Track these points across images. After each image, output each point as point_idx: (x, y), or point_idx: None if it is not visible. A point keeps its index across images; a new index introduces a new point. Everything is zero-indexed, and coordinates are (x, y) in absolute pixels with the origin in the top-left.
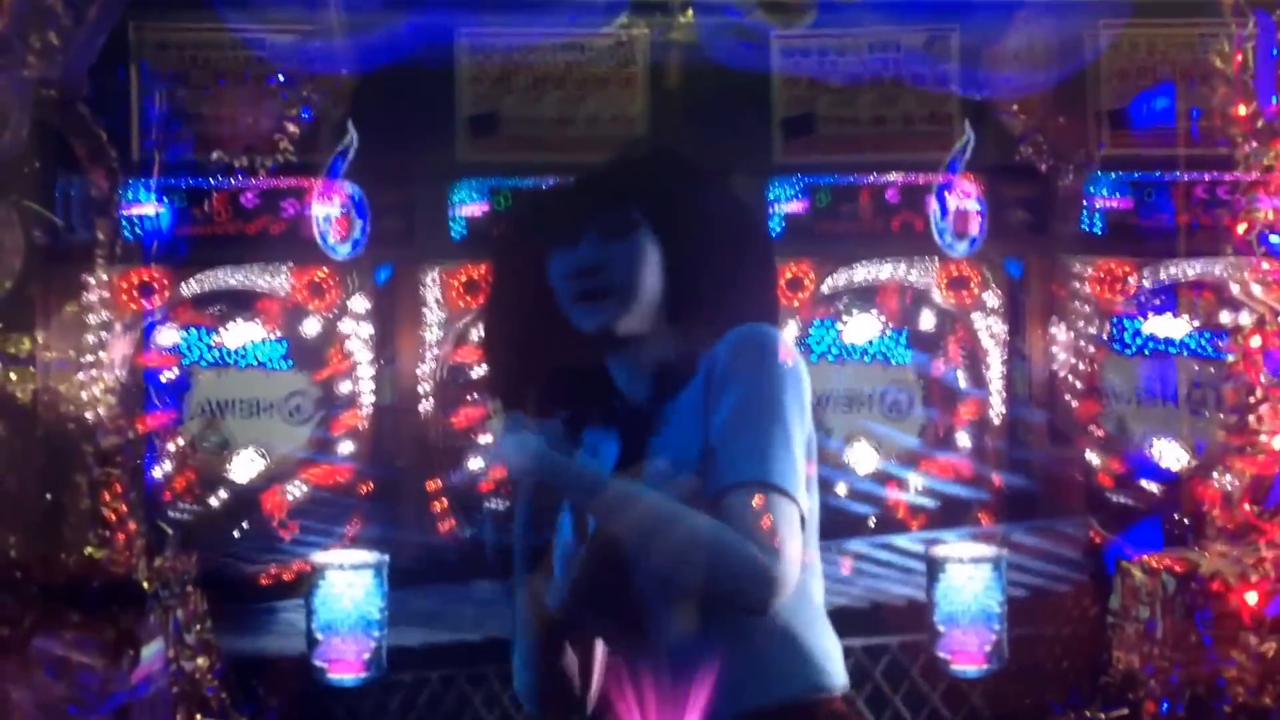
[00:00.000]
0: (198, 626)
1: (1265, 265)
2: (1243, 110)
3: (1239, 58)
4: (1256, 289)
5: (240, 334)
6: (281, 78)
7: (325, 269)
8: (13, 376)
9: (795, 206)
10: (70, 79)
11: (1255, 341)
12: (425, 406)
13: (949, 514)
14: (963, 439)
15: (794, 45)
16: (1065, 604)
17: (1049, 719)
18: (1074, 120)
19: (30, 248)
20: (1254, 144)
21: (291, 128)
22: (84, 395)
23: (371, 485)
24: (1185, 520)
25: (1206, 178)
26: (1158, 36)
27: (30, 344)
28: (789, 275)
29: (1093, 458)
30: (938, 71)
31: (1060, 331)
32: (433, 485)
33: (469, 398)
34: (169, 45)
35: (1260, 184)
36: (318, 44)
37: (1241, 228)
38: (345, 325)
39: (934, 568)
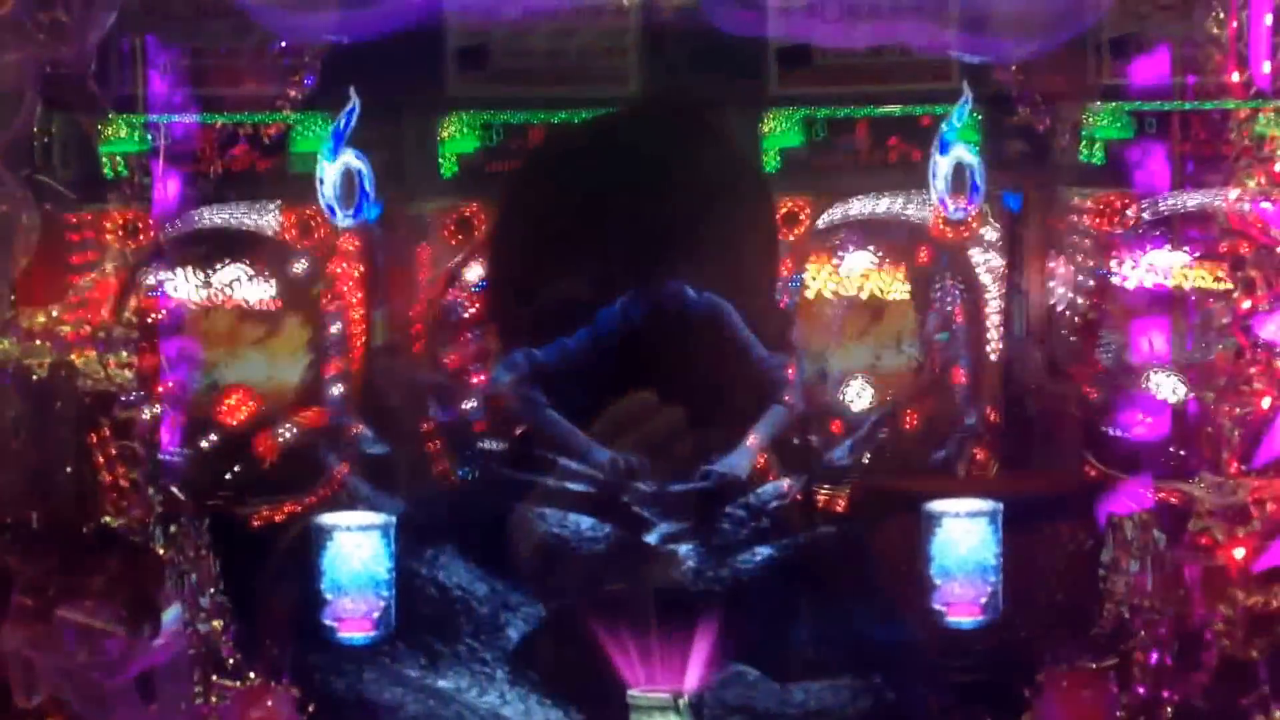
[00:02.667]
0: (211, 590)
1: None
2: (1236, 77)
3: (1233, 24)
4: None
5: (228, 274)
6: (283, 44)
7: (314, 207)
8: (29, 351)
9: (791, 139)
10: (80, 56)
11: (1245, 304)
12: (417, 346)
13: (945, 450)
14: (959, 374)
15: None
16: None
17: (1041, 669)
18: (1071, 52)
19: (46, 223)
20: (1247, 112)
21: (293, 93)
22: (101, 370)
23: (362, 427)
24: (1182, 453)
25: (1208, 107)
26: None
27: (46, 318)
28: (785, 209)
29: (1091, 392)
30: (937, 35)
31: (1059, 265)
32: (426, 426)
33: (464, 337)
34: (171, 15)
35: (1252, 151)
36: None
37: (1233, 194)
38: (335, 265)
39: (930, 521)
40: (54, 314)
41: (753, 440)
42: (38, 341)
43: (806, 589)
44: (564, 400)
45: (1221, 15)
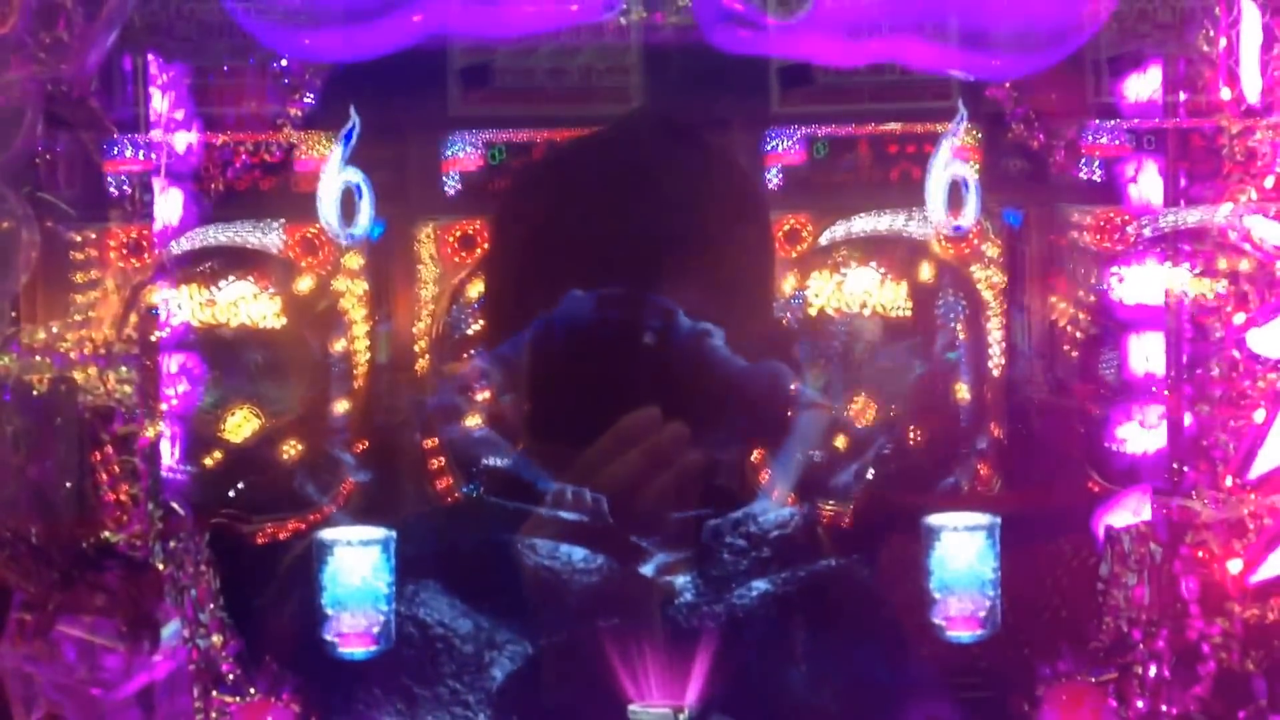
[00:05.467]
0: (211, 605)
1: (1247, 247)
2: (1226, 94)
3: (1223, 42)
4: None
5: (232, 292)
6: (284, 63)
7: (318, 226)
8: (29, 367)
9: (793, 157)
10: (80, 74)
11: (1239, 318)
12: (421, 364)
13: (947, 466)
14: (961, 390)
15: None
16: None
17: (1039, 683)
18: (1069, 71)
19: (46, 240)
20: (1239, 127)
21: (295, 112)
22: (100, 385)
23: (367, 443)
24: (1185, 470)
25: (1206, 125)
26: None
27: (46, 334)
28: (787, 227)
29: (1093, 408)
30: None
31: (1060, 282)
32: (430, 443)
33: (465, 355)
34: (174, 34)
35: (1243, 167)
36: (318, 29)
37: (1226, 209)
38: (339, 283)
39: (929, 535)
40: (54, 329)
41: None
42: (38, 357)
43: (808, 626)
44: (560, 420)
45: (1211, 32)
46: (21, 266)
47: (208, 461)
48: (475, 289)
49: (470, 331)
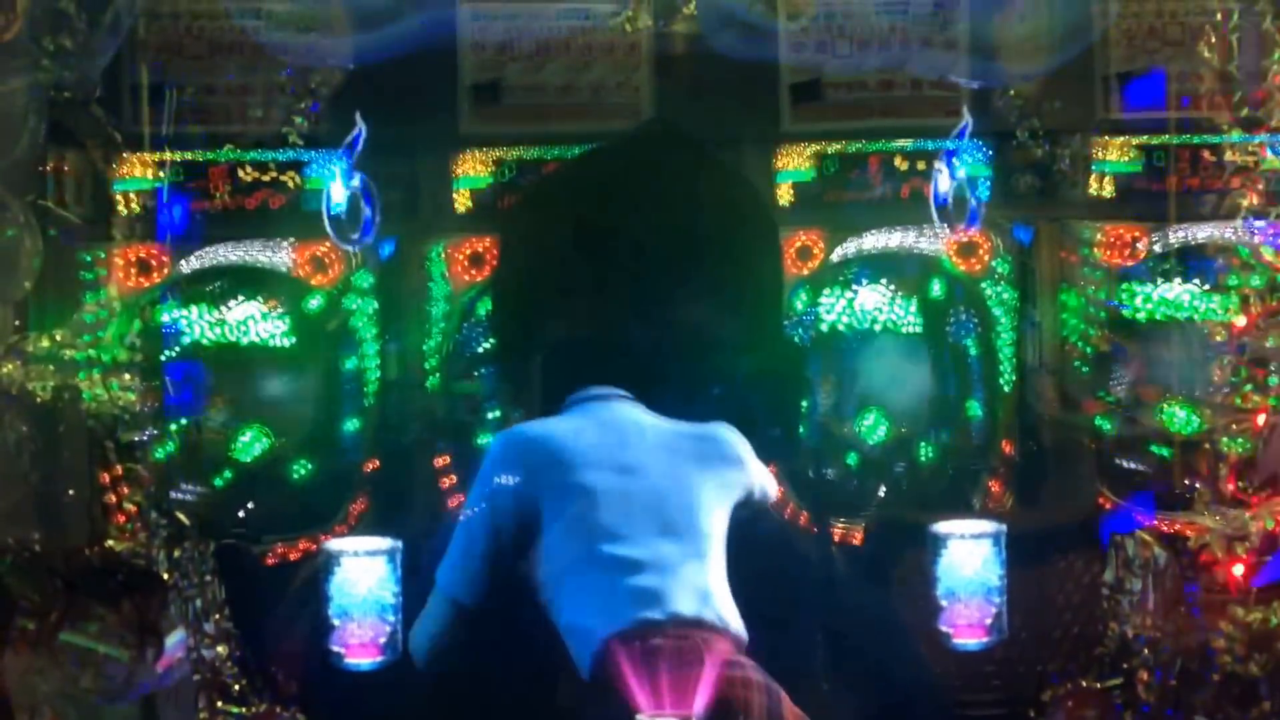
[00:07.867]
0: (216, 615)
1: (1247, 251)
2: (1228, 99)
3: (1225, 48)
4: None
5: (242, 311)
6: (289, 71)
7: (328, 244)
8: (33, 375)
9: (803, 174)
10: (84, 82)
11: (1241, 321)
12: (431, 381)
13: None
14: (973, 407)
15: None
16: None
17: (1047, 688)
18: (1079, 86)
19: (49, 248)
20: (1239, 132)
21: (300, 120)
22: (104, 392)
23: (378, 462)
24: (1192, 485)
25: (1215, 141)
26: None
27: (50, 341)
28: (798, 244)
29: (1103, 424)
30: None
31: (1070, 297)
32: (441, 461)
33: (475, 372)
34: (178, 42)
35: (1245, 170)
36: (324, 37)
37: (1226, 211)
38: (349, 300)
39: (936, 543)
40: (58, 337)
41: None
42: (42, 365)
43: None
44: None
45: (1213, 39)
46: (24, 273)
47: (218, 481)
48: (485, 306)
49: (481, 350)
